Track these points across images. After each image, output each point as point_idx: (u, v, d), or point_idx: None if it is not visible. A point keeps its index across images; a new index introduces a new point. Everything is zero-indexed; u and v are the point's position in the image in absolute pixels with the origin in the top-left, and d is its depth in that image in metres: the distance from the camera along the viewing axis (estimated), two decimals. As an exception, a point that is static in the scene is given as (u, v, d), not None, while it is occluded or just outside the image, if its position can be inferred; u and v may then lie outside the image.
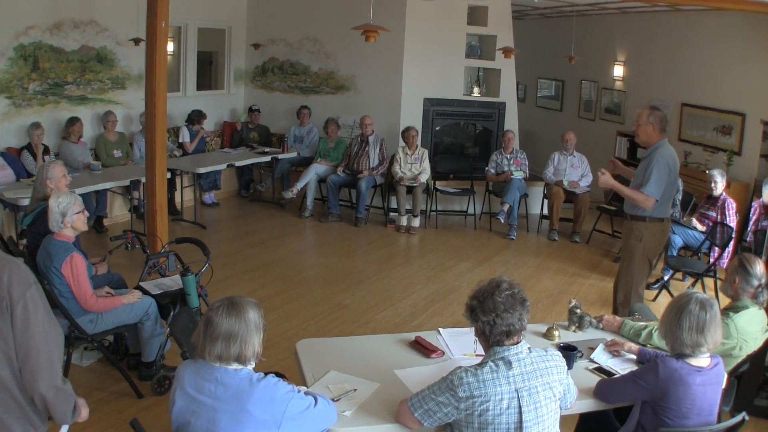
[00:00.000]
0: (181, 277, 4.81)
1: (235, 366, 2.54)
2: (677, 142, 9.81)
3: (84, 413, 2.63)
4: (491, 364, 2.70)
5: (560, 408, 2.86)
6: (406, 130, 9.49)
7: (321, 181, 9.88)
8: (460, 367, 2.72)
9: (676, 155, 5.38)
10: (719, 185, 7.58)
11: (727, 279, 3.91)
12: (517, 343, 2.75)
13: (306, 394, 2.67)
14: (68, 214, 4.35)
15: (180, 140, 9.99)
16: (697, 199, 8.24)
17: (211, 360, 2.53)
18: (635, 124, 5.40)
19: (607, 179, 5.36)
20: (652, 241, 5.33)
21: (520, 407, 2.65)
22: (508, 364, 2.69)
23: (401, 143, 9.61)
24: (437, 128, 10.69)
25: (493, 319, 2.71)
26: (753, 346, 3.76)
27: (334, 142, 10.10)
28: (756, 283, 3.77)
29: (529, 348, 2.77)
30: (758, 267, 3.79)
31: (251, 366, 2.59)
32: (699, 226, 7.63)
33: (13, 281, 2.38)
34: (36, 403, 2.46)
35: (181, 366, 2.66)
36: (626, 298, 5.38)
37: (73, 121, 8.51)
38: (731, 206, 7.56)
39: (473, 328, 2.84)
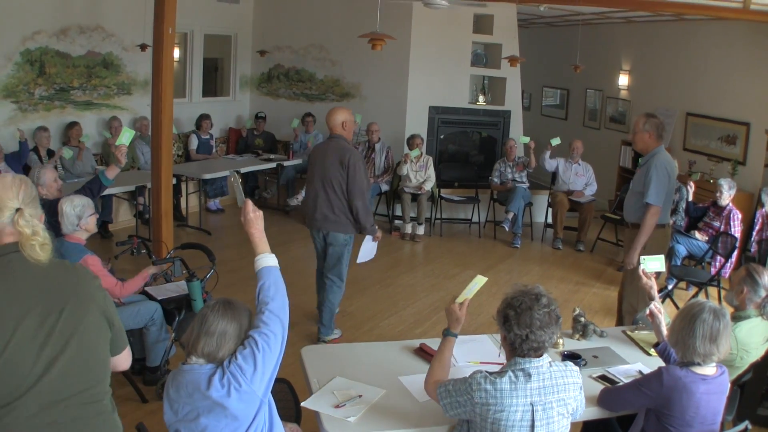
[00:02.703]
0: (186, 282, 4.83)
1: (203, 362, 2.54)
2: (682, 152, 9.81)
3: (379, 234, 5.73)
4: (511, 374, 2.68)
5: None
6: (412, 137, 9.50)
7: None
8: (480, 372, 2.72)
9: (675, 162, 5.42)
10: (725, 195, 7.57)
11: (733, 288, 3.89)
12: (541, 355, 2.74)
13: (245, 338, 2.59)
14: (83, 217, 4.42)
15: (189, 147, 10.05)
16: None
17: (202, 357, 2.53)
18: (632, 132, 5.45)
19: (631, 258, 5.26)
20: (654, 248, 5.31)
21: (532, 421, 2.65)
22: (528, 376, 2.67)
23: (406, 150, 9.62)
24: (442, 136, 10.70)
25: (526, 334, 2.66)
26: (755, 355, 3.74)
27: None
28: (763, 293, 3.76)
29: (549, 362, 2.75)
30: (766, 277, 3.79)
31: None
32: (699, 236, 7.63)
33: (351, 157, 5.42)
34: (352, 211, 5.48)
35: (167, 376, 2.68)
36: (633, 307, 5.37)
37: (72, 125, 8.54)
38: (737, 216, 7.55)
39: (500, 334, 2.80)
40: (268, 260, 2.88)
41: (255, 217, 2.88)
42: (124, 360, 2.51)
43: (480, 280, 3.25)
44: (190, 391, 2.51)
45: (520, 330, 2.67)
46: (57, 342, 2.16)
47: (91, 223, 4.49)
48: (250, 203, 2.90)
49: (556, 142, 9.31)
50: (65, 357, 2.17)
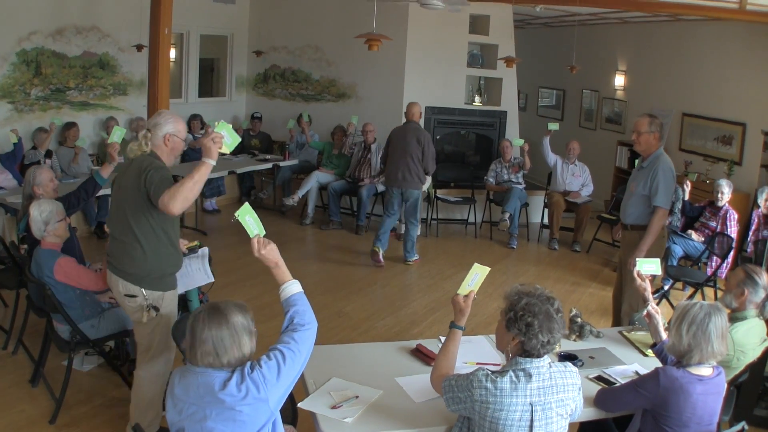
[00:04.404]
0: (182, 283, 4.81)
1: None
2: (678, 152, 9.83)
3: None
4: (512, 374, 2.68)
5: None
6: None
7: (322, 188, 9.89)
8: (482, 369, 2.72)
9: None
10: (725, 196, 7.58)
11: (731, 291, 3.86)
12: (542, 356, 2.73)
13: (272, 350, 2.62)
14: (51, 223, 4.38)
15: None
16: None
17: (206, 366, 2.51)
18: (635, 133, 5.38)
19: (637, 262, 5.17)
20: (654, 249, 5.32)
21: (531, 421, 2.65)
22: (529, 376, 2.67)
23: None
24: (438, 137, 10.69)
25: (548, 339, 2.68)
26: (751, 356, 3.75)
27: (339, 150, 10.08)
28: (763, 293, 3.77)
29: (549, 363, 2.75)
30: (765, 277, 3.79)
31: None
32: (695, 236, 7.64)
33: (425, 136, 7.81)
34: (427, 172, 7.97)
35: (172, 373, 2.66)
36: (634, 309, 5.35)
37: (69, 126, 8.53)
38: (733, 217, 7.56)
39: (513, 338, 2.74)
40: (298, 287, 3.01)
41: (273, 248, 3.07)
42: (165, 202, 3.47)
43: (481, 270, 3.24)
44: (201, 393, 2.49)
45: (543, 336, 2.67)
46: (118, 200, 3.81)
47: (60, 229, 4.44)
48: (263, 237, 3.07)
49: (553, 127, 9.34)
50: (118, 210, 3.79)
